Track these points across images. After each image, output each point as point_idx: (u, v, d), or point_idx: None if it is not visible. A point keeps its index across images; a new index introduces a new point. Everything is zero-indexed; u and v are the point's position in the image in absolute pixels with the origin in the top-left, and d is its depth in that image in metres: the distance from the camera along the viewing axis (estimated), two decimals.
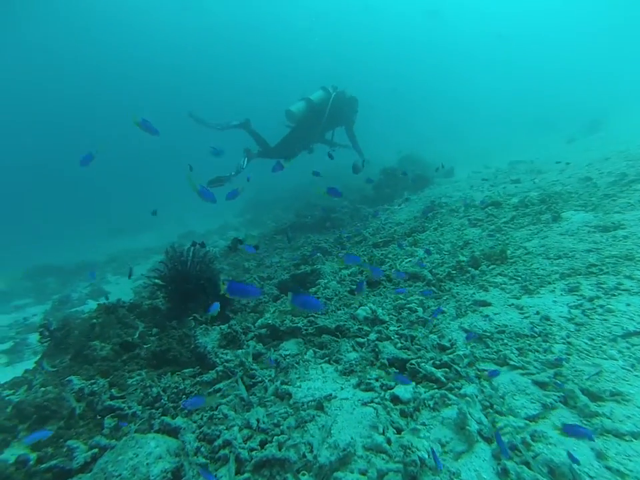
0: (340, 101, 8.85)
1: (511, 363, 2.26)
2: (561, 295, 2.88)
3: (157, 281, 4.45)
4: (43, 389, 2.98)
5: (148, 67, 45.70)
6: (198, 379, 2.91)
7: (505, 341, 2.52)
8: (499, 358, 2.36)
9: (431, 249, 4.86)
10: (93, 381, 2.87)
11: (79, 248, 15.94)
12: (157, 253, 13.23)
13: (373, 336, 3.05)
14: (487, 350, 2.50)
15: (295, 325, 3.46)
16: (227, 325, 3.82)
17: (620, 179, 5.51)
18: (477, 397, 2.04)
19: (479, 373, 2.27)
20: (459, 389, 2.17)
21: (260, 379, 2.70)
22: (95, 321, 3.69)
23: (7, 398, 3.18)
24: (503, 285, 3.31)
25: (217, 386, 2.76)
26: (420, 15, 46.24)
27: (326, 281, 4.81)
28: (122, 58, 44.36)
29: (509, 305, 2.97)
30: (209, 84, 48.25)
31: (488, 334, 2.64)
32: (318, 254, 6.17)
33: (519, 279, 3.33)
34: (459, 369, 2.32)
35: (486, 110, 29.18)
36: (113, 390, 2.77)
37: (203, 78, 48.59)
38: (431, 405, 2.11)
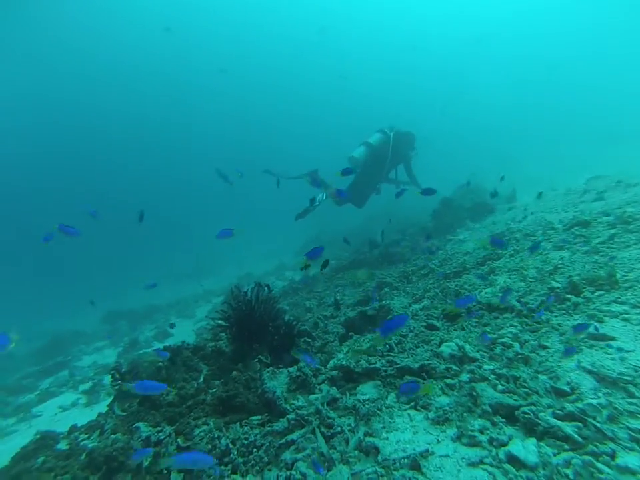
0: (398, 140, 9.22)
1: None
2: None
3: (220, 322, 4.35)
4: (113, 436, 2.87)
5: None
6: (268, 428, 2.63)
7: None
8: None
9: (513, 276, 4.31)
10: (159, 428, 2.71)
11: (146, 293, 16.90)
12: (217, 295, 13.58)
13: (464, 376, 2.60)
14: (631, 401, 1.95)
15: (372, 365, 3.09)
16: (295, 367, 3.55)
17: None
18: None
19: (632, 433, 1.74)
20: (611, 456, 1.65)
21: (339, 428, 2.36)
22: (160, 364, 3.61)
23: (82, 443, 3.13)
24: (625, 315, 2.71)
25: (290, 437, 2.46)
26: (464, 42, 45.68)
27: None
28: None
29: None
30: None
31: (627, 378, 2.09)
32: (386, 289, 5.81)
33: None
34: (598, 424, 1.81)
35: (538, 127, 27.50)
36: (179, 439, 2.57)
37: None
38: (571, 477, 1.62)
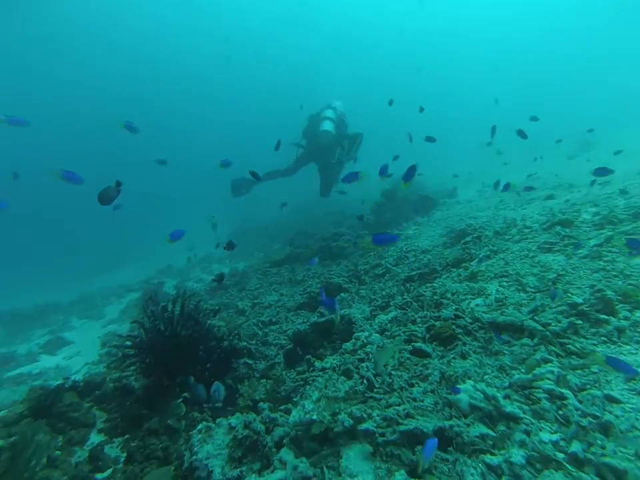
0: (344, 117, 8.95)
1: None
2: None
3: (129, 350, 2.99)
4: None
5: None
6: None
7: None
8: None
9: (505, 283, 3.64)
10: None
11: (43, 290, 13.97)
12: (133, 291, 11.52)
13: (516, 454, 1.71)
14: None
15: (362, 425, 2.08)
16: (241, 420, 2.39)
17: None
18: None
19: None
20: None
21: None
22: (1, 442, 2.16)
23: None
24: None
25: None
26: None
27: (366, 333, 3.46)
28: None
29: None
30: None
31: None
32: (342, 294, 4.85)
33: None
34: None
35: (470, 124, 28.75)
36: None
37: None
38: None
